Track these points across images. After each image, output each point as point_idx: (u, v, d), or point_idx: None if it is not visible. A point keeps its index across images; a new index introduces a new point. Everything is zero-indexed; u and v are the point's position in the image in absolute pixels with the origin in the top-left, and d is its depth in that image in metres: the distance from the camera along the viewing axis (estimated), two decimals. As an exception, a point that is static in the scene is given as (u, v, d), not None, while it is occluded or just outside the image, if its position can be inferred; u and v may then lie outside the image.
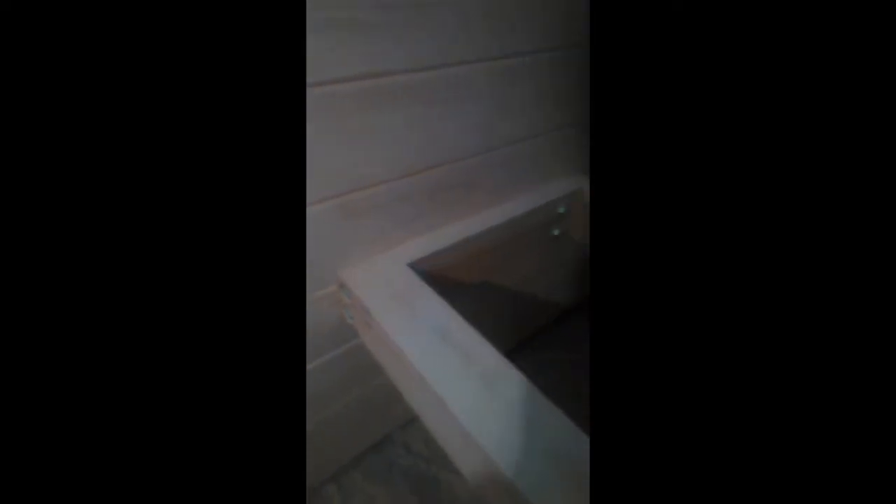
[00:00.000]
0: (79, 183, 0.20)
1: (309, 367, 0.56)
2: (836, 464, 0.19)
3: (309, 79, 0.42)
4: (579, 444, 0.37)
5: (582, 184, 0.76)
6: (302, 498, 0.23)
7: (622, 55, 0.22)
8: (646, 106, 0.22)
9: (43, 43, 0.19)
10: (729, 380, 0.20)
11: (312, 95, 0.43)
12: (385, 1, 0.45)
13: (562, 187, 0.75)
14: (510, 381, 0.42)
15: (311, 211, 0.48)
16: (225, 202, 0.22)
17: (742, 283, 0.20)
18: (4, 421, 0.19)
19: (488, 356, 0.45)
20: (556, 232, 0.77)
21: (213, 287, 0.22)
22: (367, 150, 0.50)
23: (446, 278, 0.64)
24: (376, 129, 0.50)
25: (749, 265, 0.20)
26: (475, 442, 0.37)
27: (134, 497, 0.20)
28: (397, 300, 0.51)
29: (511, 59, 0.57)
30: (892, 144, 0.19)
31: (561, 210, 0.74)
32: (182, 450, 0.21)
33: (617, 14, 0.22)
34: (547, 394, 0.41)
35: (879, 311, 0.19)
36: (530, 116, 0.65)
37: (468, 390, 0.41)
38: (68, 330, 0.20)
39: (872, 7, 0.19)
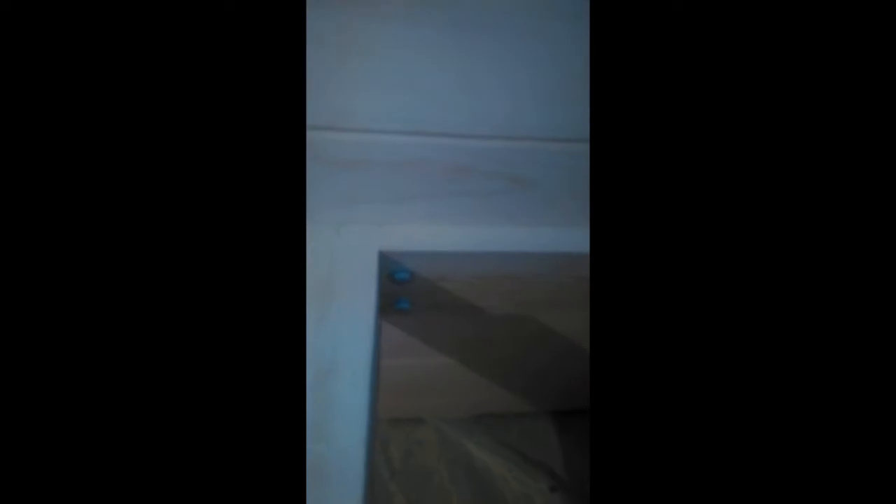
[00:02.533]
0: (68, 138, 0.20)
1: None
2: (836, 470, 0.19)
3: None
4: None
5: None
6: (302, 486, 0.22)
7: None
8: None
9: (43, 43, 0.19)
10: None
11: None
12: None
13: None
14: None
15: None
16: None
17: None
18: (4, 421, 0.19)
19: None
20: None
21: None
22: (363, 78, 0.35)
23: (453, 296, 0.47)
24: (381, 48, 0.34)
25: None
26: None
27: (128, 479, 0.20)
28: (320, 286, 0.37)
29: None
30: (892, 144, 0.19)
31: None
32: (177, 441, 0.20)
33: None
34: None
35: (880, 313, 0.19)
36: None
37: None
38: (67, 315, 0.20)
39: (872, 7, 0.19)
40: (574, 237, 0.44)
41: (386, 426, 0.74)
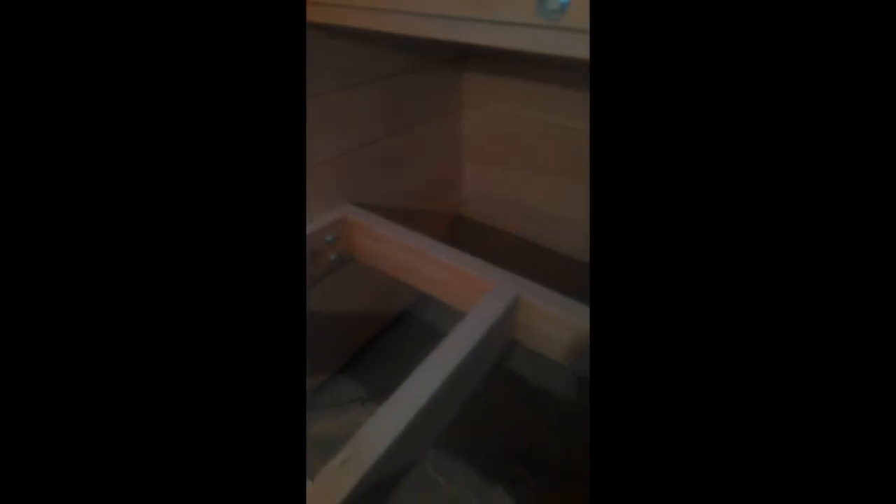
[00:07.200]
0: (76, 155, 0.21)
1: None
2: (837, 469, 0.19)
3: None
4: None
5: (346, 212, 0.84)
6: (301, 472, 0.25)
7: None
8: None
9: (43, 43, 0.19)
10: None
11: None
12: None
13: (324, 219, 0.82)
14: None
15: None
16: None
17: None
18: (4, 421, 0.19)
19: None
20: (333, 257, 0.84)
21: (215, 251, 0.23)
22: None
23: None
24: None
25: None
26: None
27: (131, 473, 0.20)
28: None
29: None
30: (892, 144, 0.18)
31: (329, 238, 0.81)
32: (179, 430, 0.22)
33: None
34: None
35: (879, 312, 0.18)
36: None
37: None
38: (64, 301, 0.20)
39: (872, 7, 0.18)
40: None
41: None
